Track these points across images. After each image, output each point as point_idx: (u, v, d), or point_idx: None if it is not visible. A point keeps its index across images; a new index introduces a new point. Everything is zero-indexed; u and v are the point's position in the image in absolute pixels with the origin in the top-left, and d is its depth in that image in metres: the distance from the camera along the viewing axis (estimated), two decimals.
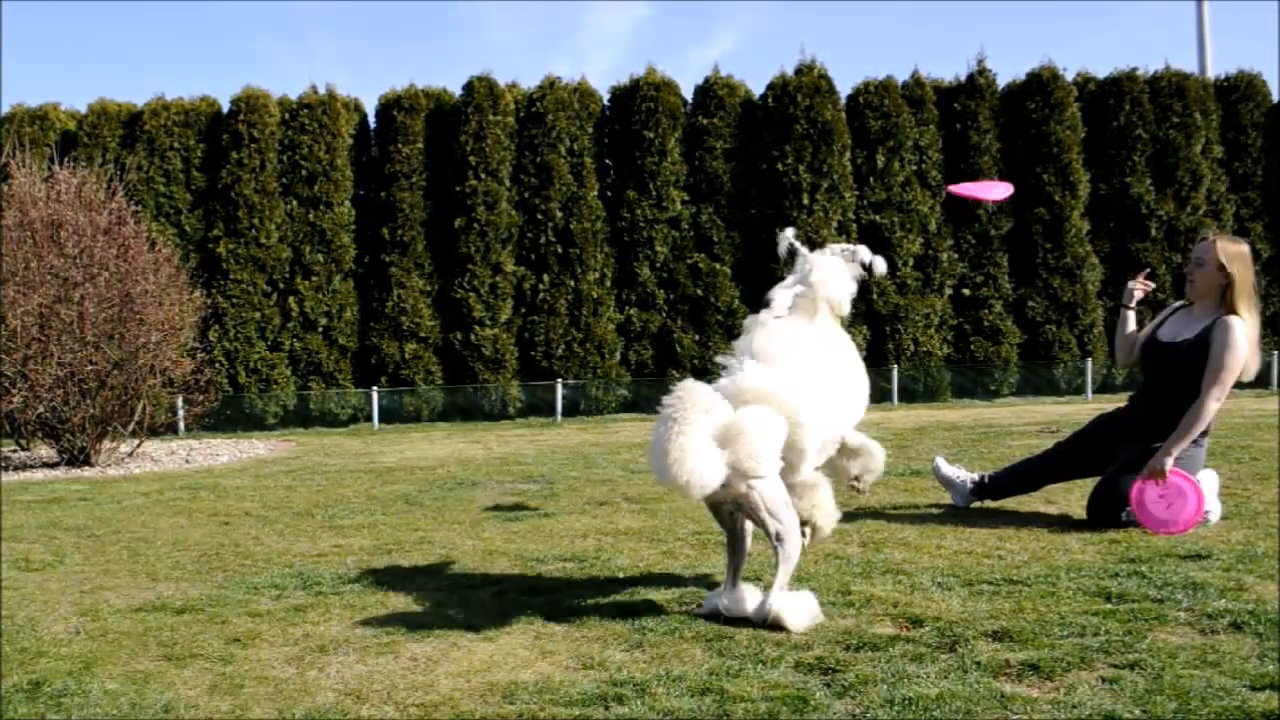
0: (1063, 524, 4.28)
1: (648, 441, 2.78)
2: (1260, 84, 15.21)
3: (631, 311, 14.21)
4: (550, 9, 58.66)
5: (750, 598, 2.97)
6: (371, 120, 14.66)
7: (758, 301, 14.25)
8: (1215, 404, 4.06)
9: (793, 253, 3.58)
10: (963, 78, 14.84)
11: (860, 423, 3.64)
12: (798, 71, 14.54)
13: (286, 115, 14.17)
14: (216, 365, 13.21)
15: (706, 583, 3.45)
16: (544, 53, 64.01)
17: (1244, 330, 4.08)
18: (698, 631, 2.90)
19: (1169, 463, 3.99)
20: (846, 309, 3.46)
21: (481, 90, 14.20)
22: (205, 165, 14.16)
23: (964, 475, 4.78)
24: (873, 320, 14.29)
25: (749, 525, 3.03)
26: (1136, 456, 4.14)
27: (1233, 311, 4.13)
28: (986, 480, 4.71)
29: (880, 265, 3.61)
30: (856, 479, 3.49)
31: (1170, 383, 4.20)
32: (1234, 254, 4.20)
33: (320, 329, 13.97)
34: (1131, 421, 4.36)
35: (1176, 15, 70.05)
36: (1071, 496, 4.88)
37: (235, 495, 6.35)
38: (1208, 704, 2.22)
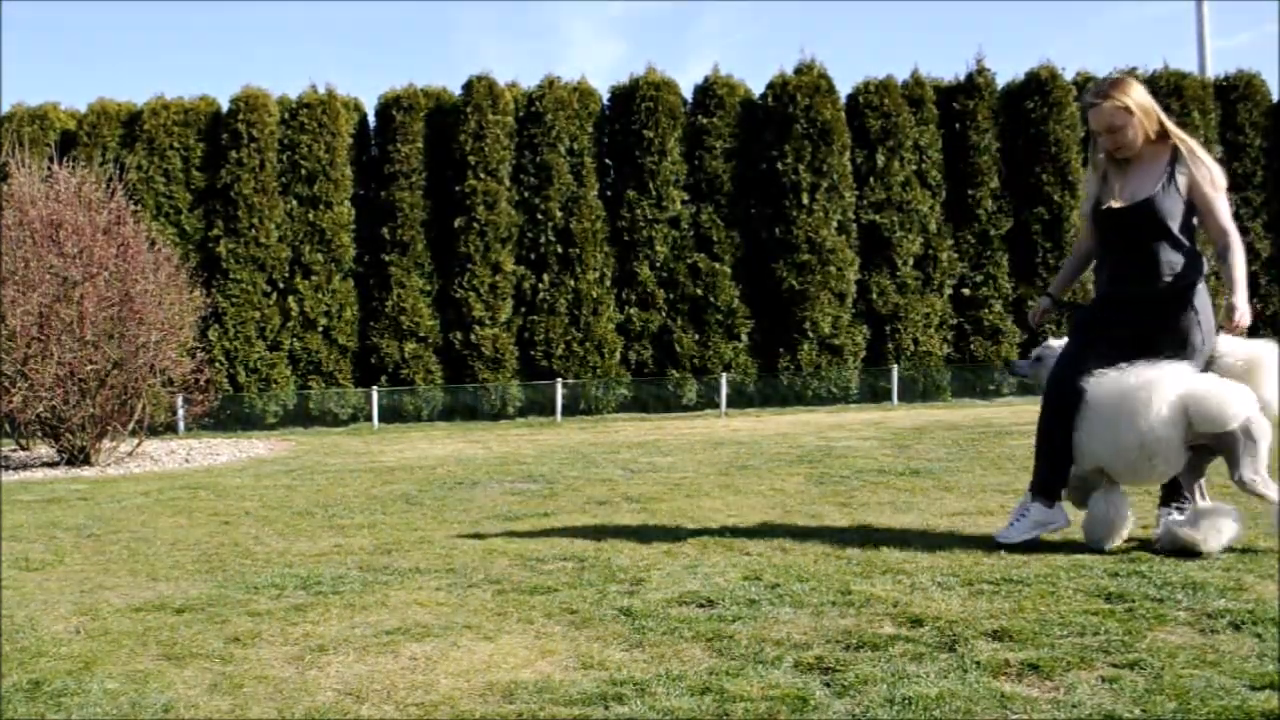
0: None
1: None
2: (1259, 84, 15.22)
3: (631, 311, 14.21)
4: (550, 8, 58.69)
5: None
6: (371, 120, 14.67)
7: (757, 300, 14.22)
8: (1235, 233, 3.73)
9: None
10: (962, 77, 14.85)
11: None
12: (797, 71, 14.54)
13: (286, 115, 14.17)
14: (216, 365, 13.21)
15: (707, 582, 3.45)
16: (544, 53, 64.02)
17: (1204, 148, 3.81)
18: (698, 631, 2.90)
19: (1244, 302, 3.63)
20: None
21: (481, 90, 14.20)
22: (205, 165, 14.16)
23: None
24: (873, 320, 14.29)
25: None
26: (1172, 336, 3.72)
27: (1182, 141, 3.76)
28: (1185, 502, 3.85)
29: None
30: None
31: (1152, 243, 3.74)
32: (1141, 94, 3.76)
33: (320, 329, 13.97)
34: (1124, 311, 3.80)
35: (1176, 15, 70.06)
36: None
37: (235, 495, 6.35)
38: (1208, 704, 2.22)
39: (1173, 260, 3.72)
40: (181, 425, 12.96)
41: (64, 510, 5.93)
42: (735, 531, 4.38)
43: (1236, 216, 15.26)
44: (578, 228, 14.07)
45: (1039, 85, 14.61)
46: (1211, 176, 3.72)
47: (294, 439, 11.71)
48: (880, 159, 14.39)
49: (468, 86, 14.31)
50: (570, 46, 64.99)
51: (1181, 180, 3.71)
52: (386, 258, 14.02)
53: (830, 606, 3.10)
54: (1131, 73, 14.82)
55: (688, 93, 14.67)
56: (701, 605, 3.19)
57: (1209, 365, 3.79)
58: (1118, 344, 3.76)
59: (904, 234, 14.27)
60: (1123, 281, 3.81)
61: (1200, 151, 3.76)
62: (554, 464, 7.38)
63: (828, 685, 2.45)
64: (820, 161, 14.12)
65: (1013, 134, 14.65)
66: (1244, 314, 3.62)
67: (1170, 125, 3.76)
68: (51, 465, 9.07)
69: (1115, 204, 3.78)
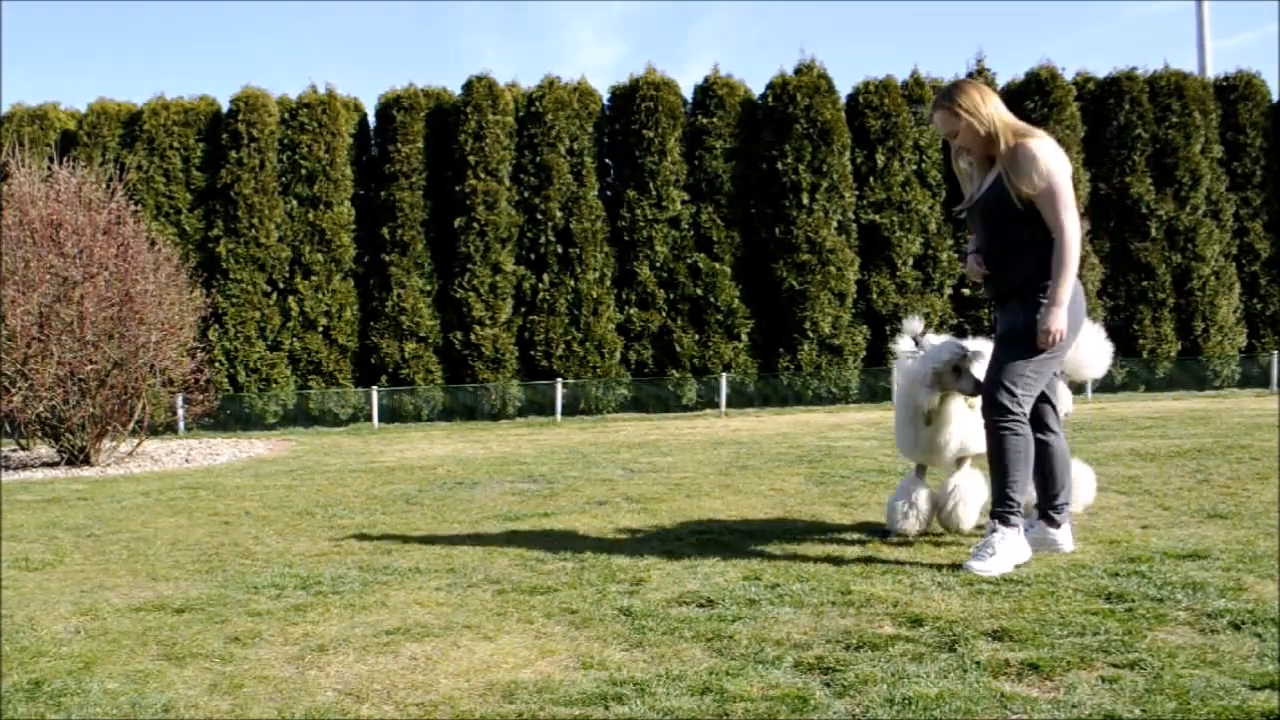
0: None
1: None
2: (1259, 84, 15.22)
3: (631, 311, 14.21)
4: (550, 8, 58.70)
5: None
6: (371, 120, 14.66)
7: (757, 300, 14.15)
8: (1073, 228, 3.55)
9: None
10: (962, 77, 14.84)
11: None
12: (797, 71, 14.54)
13: (286, 115, 14.17)
14: (216, 365, 13.22)
15: (707, 582, 3.45)
16: (544, 53, 64.03)
17: (1038, 145, 3.60)
18: (698, 631, 2.90)
19: (1062, 315, 3.55)
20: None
21: (481, 90, 14.20)
22: (205, 165, 14.16)
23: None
24: (872, 320, 14.29)
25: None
26: (1006, 328, 3.72)
27: (1005, 143, 3.65)
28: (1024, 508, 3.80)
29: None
30: None
31: (998, 238, 3.72)
32: (973, 99, 3.70)
33: (320, 329, 13.97)
34: (996, 311, 3.86)
35: (1176, 15, 70.10)
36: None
37: (235, 495, 6.35)
38: (1207, 704, 2.22)
39: (1014, 254, 3.65)
40: (181, 425, 12.96)
41: (64, 510, 5.93)
42: (735, 531, 4.38)
43: (1236, 217, 15.30)
44: (578, 228, 14.07)
45: (1039, 85, 14.60)
46: (1030, 174, 3.55)
47: (294, 439, 11.71)
48: (880, 159, 14.39)
49: (468, 86, 14.31)
50: (570, 46, 65.01)
51: (1014, 176, 3.61)
52: (386, 258, 14.02)
53: (830, 606, 3.10)
54: (1132, 73, 14.82)
55: (688, 93, 14.67)
56: (701, 605, 3.19)
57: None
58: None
59: (904, 234, 14.27)
60: (987, 280, 3.82)
61: (1030, 148, 3.58)
62: (554, 464, 7.38)
63: (828, 685, 2.45)
64: (820, 161, 14.12)
65: None
66: (1050, 334, 3.54)
67: (997, 128, 3.64)
68: (51, 465, 9.07)
69: (969, 200, 3.82)
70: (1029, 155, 3.57)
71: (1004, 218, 3.66)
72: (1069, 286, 3.57)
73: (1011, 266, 3.69)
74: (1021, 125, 3.72)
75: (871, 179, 14.39)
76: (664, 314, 14.21)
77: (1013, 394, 3.59)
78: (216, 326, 13.48)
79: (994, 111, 3.70)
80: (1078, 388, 14.36)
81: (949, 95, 3.75)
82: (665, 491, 5.69)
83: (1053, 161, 3.59)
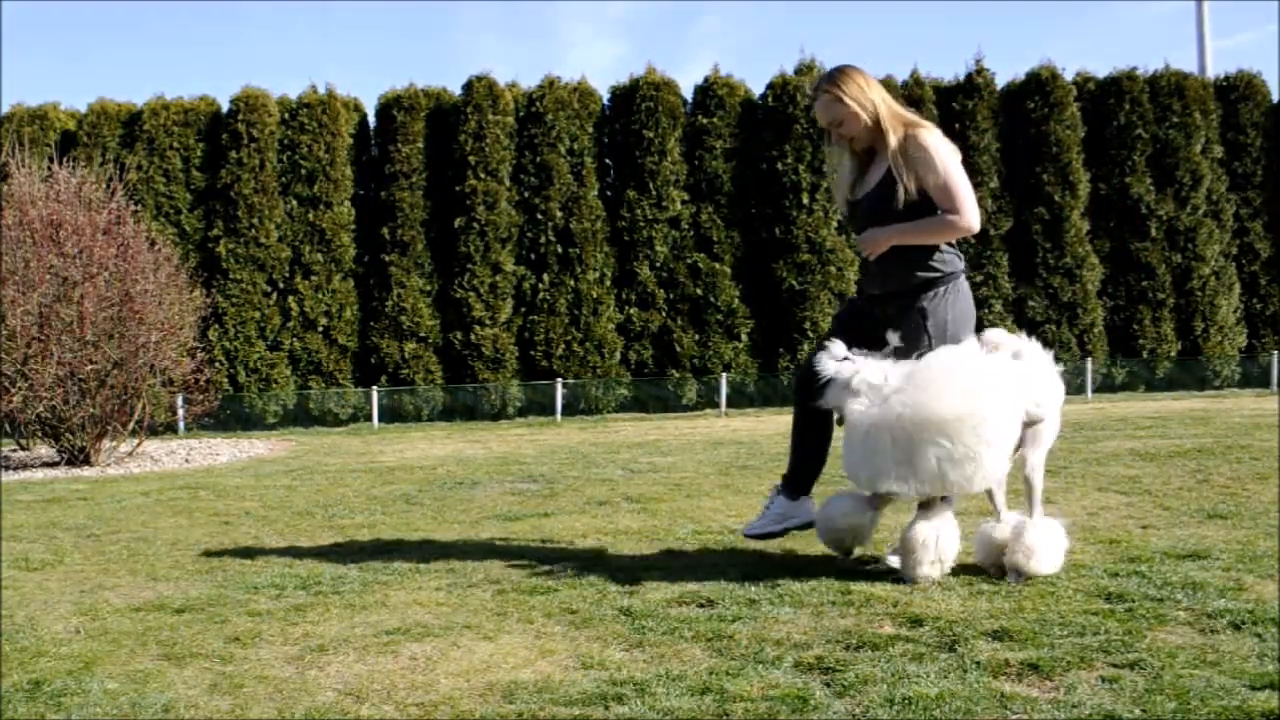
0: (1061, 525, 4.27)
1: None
2: (1260, 84, 15.23)
3: (631, 311, 14.21)
4: (550, 8, 58.76)
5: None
6: (371, 120, 14.67)
7: (757, 300, 14.17)
8: (962, 218, 3.37)
9: None
10: (962, 77, 14.85)
11: None
12: (798, 71, 14.54)
13: (286, 115, 14.18)
14: (216, 365, 13.22)
15: (707, 582, 3.45)
16: (544, 53, 64.10)
17: (930, 135, 3.41)
18: (698, 631, 2.90)
19: (884, 240, 3.41)
20: None
21: (481, 90, 14.20)
22: (205, 165, 14.17)
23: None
24: None
25: None
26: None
27: (890, 132, 3.44)
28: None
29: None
30: None
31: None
32: (857, 86, 3.46)
33: (320, 329, 13.97)
34: (869, 304, 3.64)
35: (1176, 15, 70.18)
36: (1071, 496, 4.88)
37: (235, 495, 6.35)
38: (1207, 704, 2.22)
39: (895, 256, 3.44)
40: (181, 425, 12.96)
41: (64, 510, 5.93)
42: (735, 531, 4.38)
43: (1236, 217, 15.30)
44: (578, 228, 14.07)
45: (1039, 85, 14.61)
46: (925, 167, 3.37)
47: (294, 439, 11.71)
48: None
49: (468, 86, 14.31)
50: (570, 46, 65.02)
51: (905, 171, 3.40)
52: (386, 258, 14.02)
53: (830, 606, 3.10)
54: (1132, 73, 14.82)
55: (688, 93, 14.67)
56: (701, 605, 3.19)
57: None
58: (866, 345, 3.51)
59: None
60: (866, 278, 3.65)
61: (923, 138, 3.40)
62: (554, 464, 7.38)
63: (828, 685, 2.45)
64: (820, 161, 14.11)
65: (1013, 134, 14.65)
66: (867, 240, 3.44)
67: (882, 116, 3.42)
68: (51, 465, 9.07)
69: (853, 196, 3.62)
70: (922, 147, 3.38)
71: (889, 218, 3.45)
72: (915, 239, 3.40)
73: (890, 269, 3.48)
74: (910, 115, 3.51)
75: None
76: (664, 314, 14.22)
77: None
78: (216, 326, 13.48)
79: (881, 99, 3.46)
80: (1075, 387, 14.37)
81: (832, 80, 3.49)
82: (665, 491, 5.69)
83: (947, 153, 3.40)
